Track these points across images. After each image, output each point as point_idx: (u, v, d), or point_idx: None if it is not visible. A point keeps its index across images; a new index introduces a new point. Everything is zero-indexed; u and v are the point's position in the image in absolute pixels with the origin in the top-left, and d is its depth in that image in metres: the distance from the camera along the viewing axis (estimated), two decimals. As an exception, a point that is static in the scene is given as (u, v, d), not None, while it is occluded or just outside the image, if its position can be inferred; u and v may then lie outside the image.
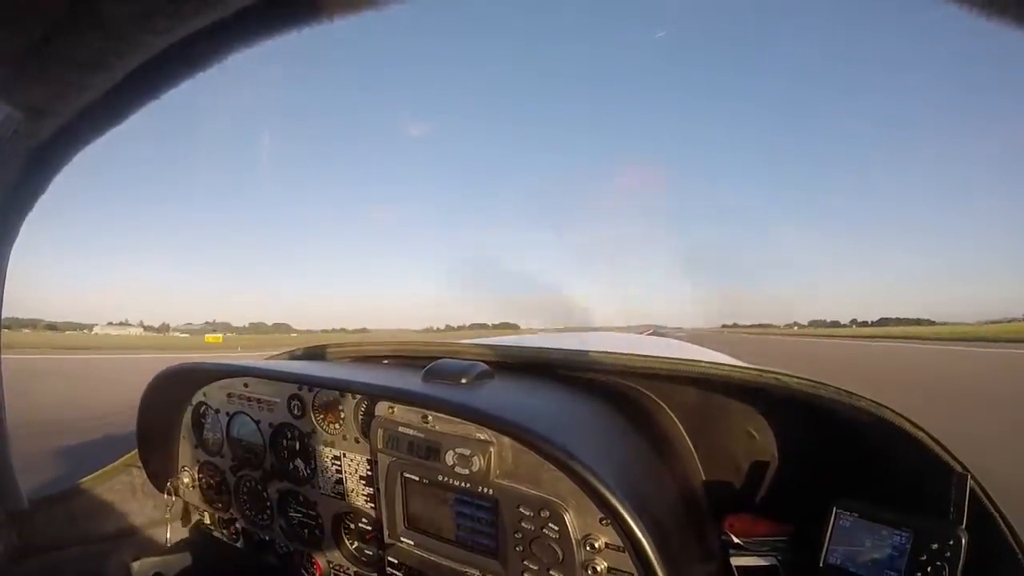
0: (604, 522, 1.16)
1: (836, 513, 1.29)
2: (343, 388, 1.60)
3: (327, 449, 1.65)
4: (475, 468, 1.27)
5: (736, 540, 1.43)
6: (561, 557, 1.20)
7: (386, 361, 2.01)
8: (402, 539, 1.44)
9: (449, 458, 1.31)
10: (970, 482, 1.15)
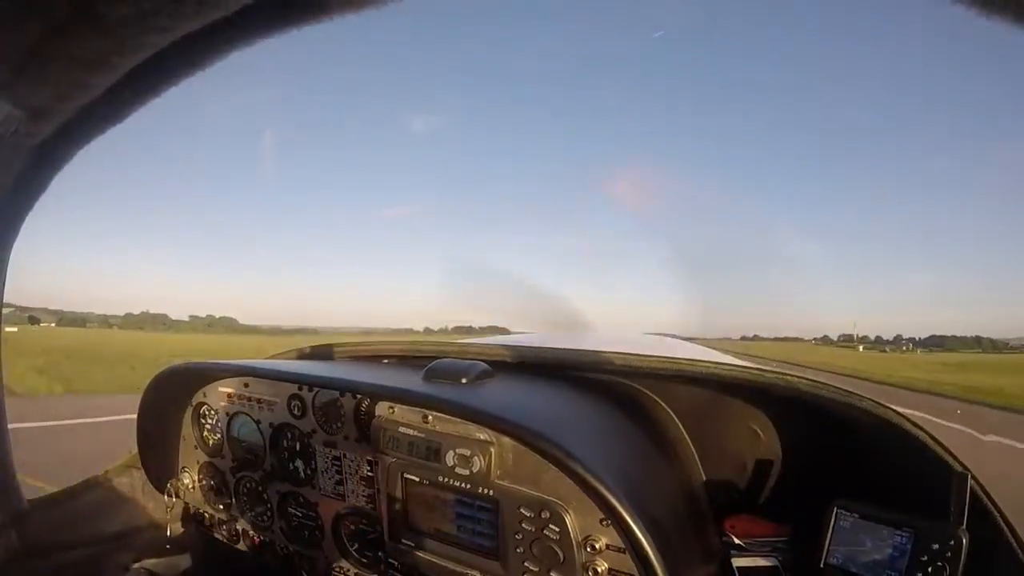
0: (605, 523, 1.16)
1: (837, 513, 1.28)
2: (343, 388, 1.60)
3: (327, 449, 1.65)
4: (475, 468, 1.27)
5: (737, 541, 1.43)
6: (562, 558, 1.20)
7: (386, 361, 2.01)
8: (402, 540, 1.43)
9: (449, 458, 1.31)
10: (970, 482, 1.15)
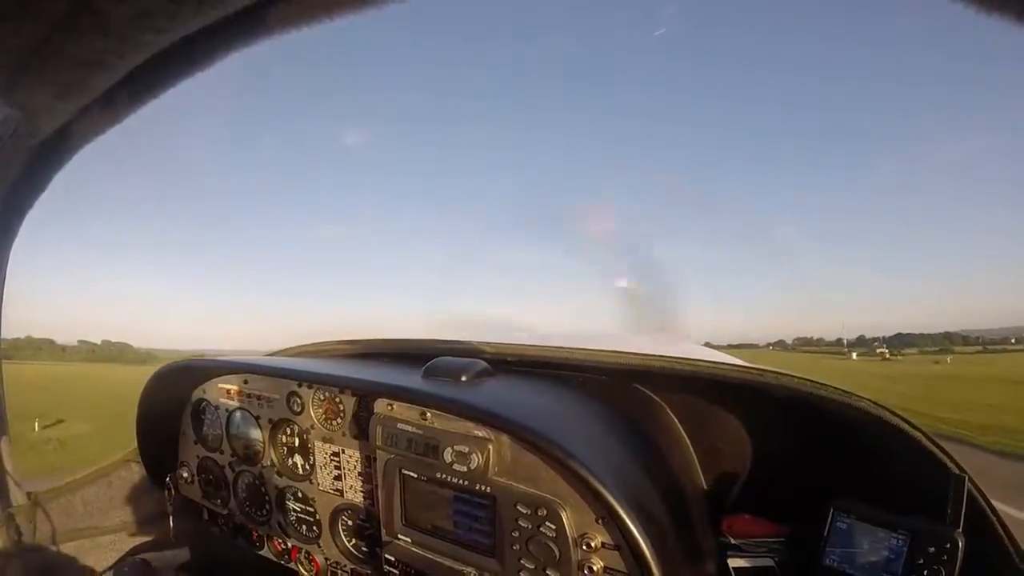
0: (600, 521, 1.17)
1: (833, 515, 1.29)
2: (342, 385, 1.60)
3: (326, 445, 1.66)
4: (473, 466, 1.27)
5: (733, 541, 1.44)
6: (558, 556, 1.21)
7: (386, 358, 2.01)
8: (399, 536, 1.44)
9: (448, 455, 1.31)
10: (967, 484, 1.16)
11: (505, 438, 1.27)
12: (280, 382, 1.73)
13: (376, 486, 1.48)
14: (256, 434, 1.82)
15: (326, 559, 1.75)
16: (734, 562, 1.40)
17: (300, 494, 1.76)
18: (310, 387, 1.67)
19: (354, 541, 1.69)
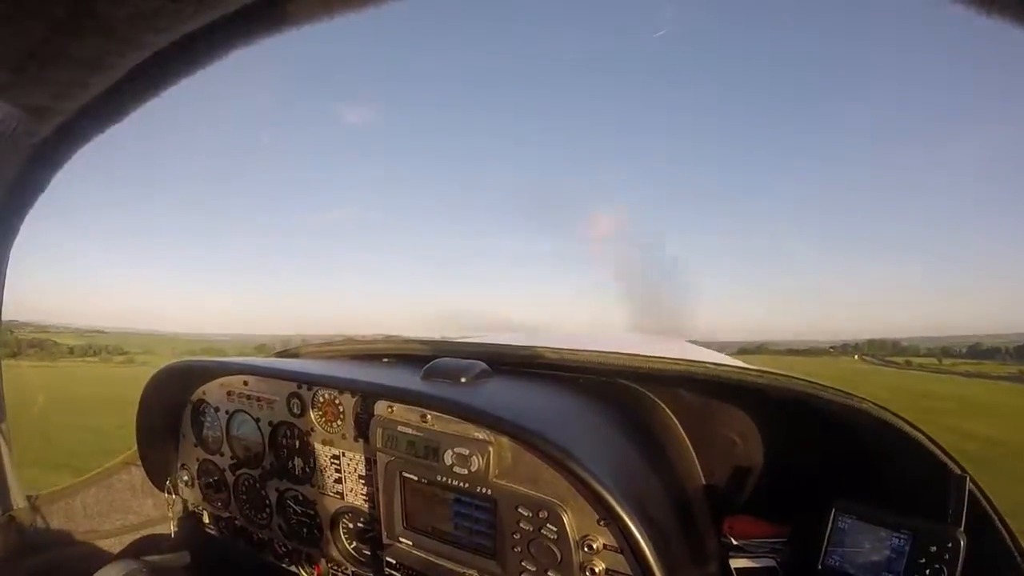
0: (602, 523, 1.17)
1: (835, 515, 1.28)
2: (342, 387, 1.60)
3: (326, 448, 1.65)
4: (474, 468, 1.27)
5: (735, 542, 1.43)
6: (559, 558, 1.20)
7: (386, 360, 2.01)
8: (400, 539, 1.44)
9: (448, 458, 1.31)
10: (968, 484, 1.15)
11: (505, 440, 1.27)
12: (280, 384, 1.73)
13: (377, 489, 1.48)
14: (256, 436, 1.82)
15: (327, 562, 1.74)
16: (736, 562, 1.40)
17: (301, 497, 1.75)
18: (310, 389, 1.67)
19: (355, 544, 1.69)
